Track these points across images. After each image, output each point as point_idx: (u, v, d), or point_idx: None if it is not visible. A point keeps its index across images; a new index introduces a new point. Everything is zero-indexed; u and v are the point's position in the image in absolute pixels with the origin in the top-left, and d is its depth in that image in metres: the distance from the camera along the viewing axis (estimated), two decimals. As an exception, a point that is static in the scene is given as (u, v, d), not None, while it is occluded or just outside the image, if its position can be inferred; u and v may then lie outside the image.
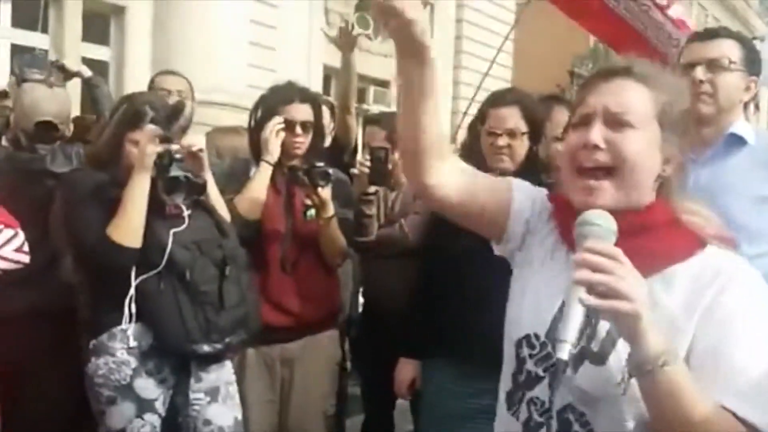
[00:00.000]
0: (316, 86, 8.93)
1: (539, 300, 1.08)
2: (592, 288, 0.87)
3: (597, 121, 1.02)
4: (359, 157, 2.79)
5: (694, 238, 1.01)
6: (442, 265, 2.10)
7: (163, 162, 1.87)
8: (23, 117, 2.45)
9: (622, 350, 0.95)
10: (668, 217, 1.03)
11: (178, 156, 1.89)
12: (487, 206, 1.17)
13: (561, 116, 2.34)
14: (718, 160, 1.83)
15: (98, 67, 6.82)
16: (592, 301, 0.86)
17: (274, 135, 2.24)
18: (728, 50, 1.84)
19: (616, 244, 0.93)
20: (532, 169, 2.10)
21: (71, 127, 2.60)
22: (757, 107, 2.25)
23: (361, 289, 3.02)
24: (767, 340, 0.93)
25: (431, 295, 2.15)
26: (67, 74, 2.79)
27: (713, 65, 1.82)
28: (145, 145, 1.85)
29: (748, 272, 1.00)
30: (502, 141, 2.08)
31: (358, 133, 3.15)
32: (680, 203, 1.05)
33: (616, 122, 1.01)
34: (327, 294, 2.39)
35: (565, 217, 1.06)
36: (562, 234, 1.11)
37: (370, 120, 2.95)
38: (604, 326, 0.95)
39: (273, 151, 2.24)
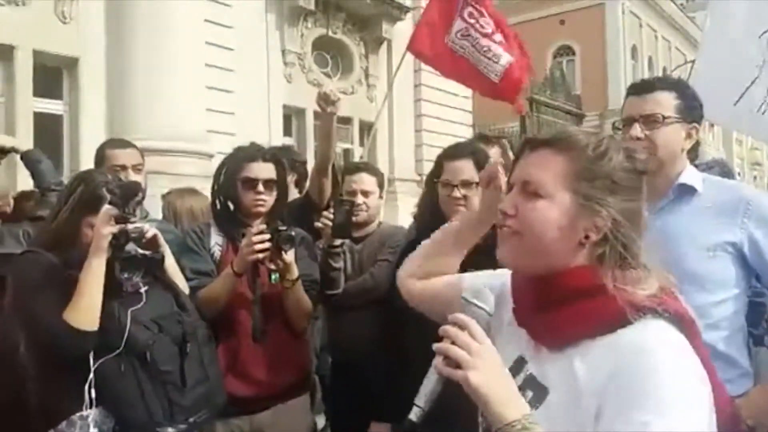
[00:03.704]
0: (276, 126, 8.95)
1: None
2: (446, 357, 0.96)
3: (514, 190, 1.09)
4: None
5: (617, 311, 0.97)
6: (407, 320, 2.09)
7: (120, 241, 1.84)
8: None
9: None
10: (590, 286, 1.01)
11: (134, 234, 1.86)
12: (451, 303, 1.19)
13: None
14: (670, 210, 1.85)
15: (51, 120, 6.74)
16: (439, 367, 0.96)
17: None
18: (663, 103, 1.83)
19: (531, 313, 1.07)
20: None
21: (11, 202, 2.53)
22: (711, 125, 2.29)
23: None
24: (665, 419, 0.89)
25: (398, 354, 2.13)
26: (2, 151, 2.72)
27: (648, 121, 1.82)
28: (101, 227, 1.81)
29: (670, 352, 0.94)
30: (458, 192, 2.14)
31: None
32: (614, 270, 1.01)
33: (528, 192, 1.06)
34: (296, 359, 2.35)
35: (520, 294, 1.13)
36: (514, 311, 1.14)
37: (354, 168, 2.93)
38: None
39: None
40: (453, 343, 0.96)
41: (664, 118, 1.81)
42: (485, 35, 5.00)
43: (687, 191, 1.86)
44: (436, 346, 0.97)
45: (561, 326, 1.02)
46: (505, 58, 5.00)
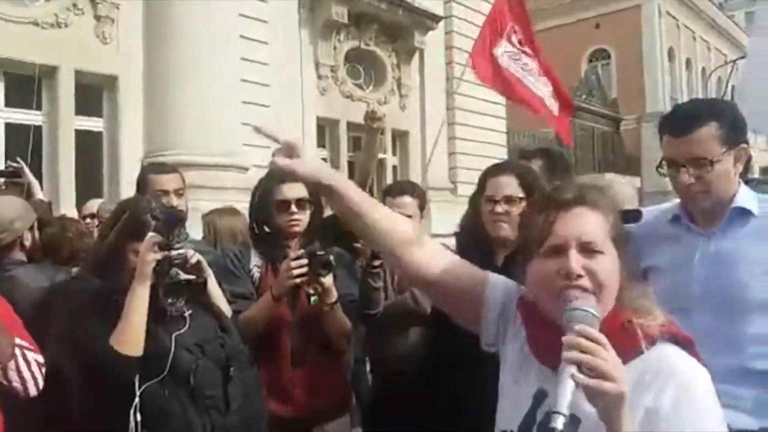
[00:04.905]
0: (310, 138, 9.01)
1: (513, 402, 1.18)
2: (581, 367, 0.96)
3: (572, 251, 1.11)
4: None
5: (636, 340, 1.07)
6: (454, 341, 2.06)
7: (163, 268, 1.86)
8: None
9: None
10: (618, 324, 1.10)
11: (177, 261, 1.88)
12: (463, 292, 1.30)
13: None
14: (723, 235, 1.78)
15: (92, 138, 6.91)
16: (583, 378, 0.95)
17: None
18: (706, 141, 1.71)
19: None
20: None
21: (27, 235, 2.52)
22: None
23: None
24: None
25: (446, 374, 2.11)
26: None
27: (696, 164, 1.72)
28: (145, 254, 1.84)
29: (689, 373, 1.06)
30: (500, 207, 2.11)
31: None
32: (630, 306, 1.12)
33: (587, 250, 1.11)
34: (335, 381, 2.35)
35: (538, 331, 1.16)
36: (531, 346, 1.18)
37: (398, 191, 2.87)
38: None
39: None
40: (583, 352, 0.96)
41: (712, 162, 1.71)
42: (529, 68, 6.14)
43: (743, 213, 1.78)
44: (569, 356, 0.97)
45: None
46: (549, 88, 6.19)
